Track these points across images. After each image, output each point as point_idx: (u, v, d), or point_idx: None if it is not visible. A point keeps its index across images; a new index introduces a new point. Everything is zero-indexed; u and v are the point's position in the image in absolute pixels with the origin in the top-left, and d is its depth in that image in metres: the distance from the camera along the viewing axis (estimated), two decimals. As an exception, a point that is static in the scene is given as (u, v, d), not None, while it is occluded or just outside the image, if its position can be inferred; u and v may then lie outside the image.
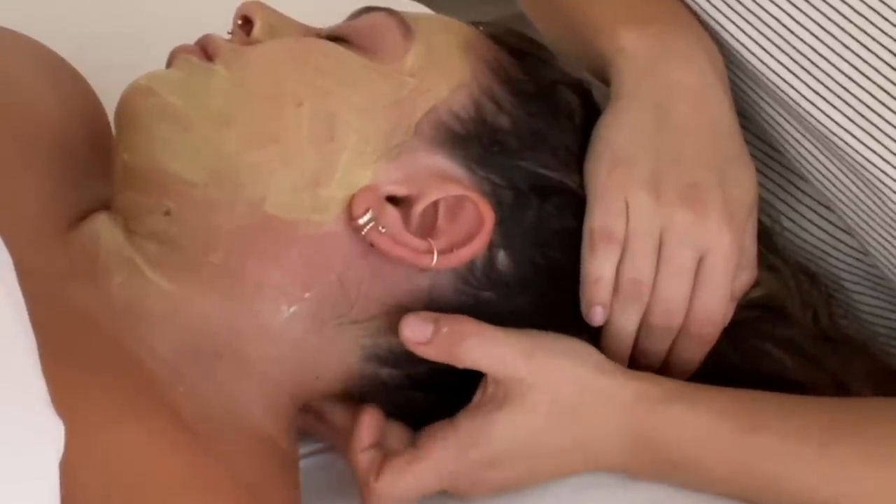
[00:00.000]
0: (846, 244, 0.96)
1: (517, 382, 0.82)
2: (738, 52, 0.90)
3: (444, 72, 0.85)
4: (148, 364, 0.80)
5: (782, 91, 0.88)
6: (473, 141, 0.84)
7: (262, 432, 0.82)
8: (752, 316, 0.88)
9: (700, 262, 0.84)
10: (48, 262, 0.82)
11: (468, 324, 0.82)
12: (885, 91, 0.84)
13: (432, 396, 0.85)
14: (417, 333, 0.82)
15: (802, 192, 0.97)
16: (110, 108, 0.87)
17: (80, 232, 0.85)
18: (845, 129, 0.86)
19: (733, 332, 0.87)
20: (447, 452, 0.83)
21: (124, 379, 0.77)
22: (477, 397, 0.83)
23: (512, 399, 0.82)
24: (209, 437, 0.78)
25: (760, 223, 0.89)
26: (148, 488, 0.72)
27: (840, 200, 0.91)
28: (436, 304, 0.83)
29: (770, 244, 0.92)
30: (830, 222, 0.96)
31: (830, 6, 0.86)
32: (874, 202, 0.87)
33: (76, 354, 0.75)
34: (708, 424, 0.83)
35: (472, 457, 0.83)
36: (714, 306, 0.85)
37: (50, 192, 0.86)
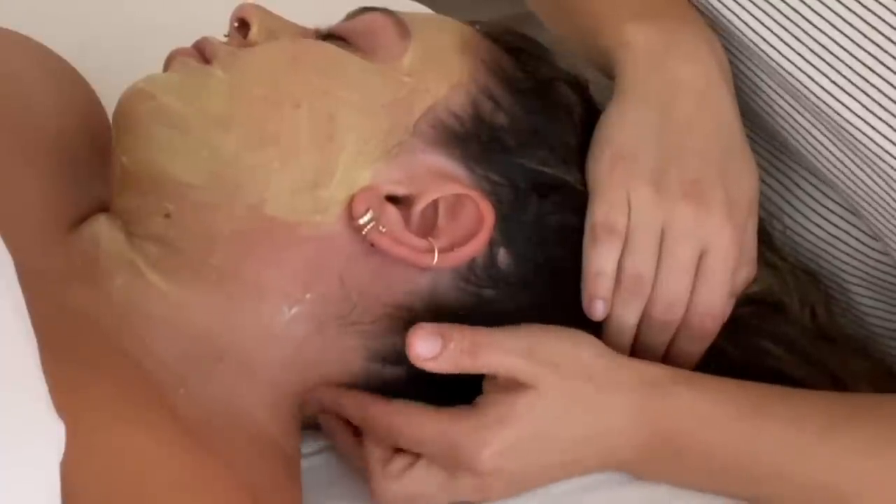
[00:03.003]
0: (848, 243, 0.96)
1: (523, 375, 0.82)
2: (754, 42, 0.89)
3: (442, 71, 0.85)
4: (148, 366, 0.79)
5: (799, 82, 0.88)
6: (472, 139, 0.84)
7: (265, 433, 0.82)
8: (749, 312, 0.88)
9: (701, 257, 0.85)
10: (49, 262, 0.82)
11: (470, 334, 0.82)
12: None
13: (437, 395, 0.85)
14: (426, 350, 0.81)
15: (804, 191, 0.97)
16: (110, 110, 0.88)
17: (80, 233, 0.85)
18: (863, 120, 0.86)
19: (732, 328, 0.87)
20: (465, 426, 0.82)
21: (125, 380, 0.77)
22: (487, 387, 0.83)
23: (525, 387, 0.82)
24: (210, 438, 0.78)
25: (760, 220, 0.89)
26: (148, 489, 0.71)
27: (855, 192, 0.90)
28: (437, 303, 0.84)
29: (769, 242, 0.92)
30: (831, 223, 0.96)
31: None
32: (888, 194, 0.87)
33: (77, 355, 0.75)
34: (712, 409, 0.83)
35: (489, 439, 0.81)
36: (714, 301, 0.85)
37: (51, 193, 0.86)
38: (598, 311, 0.85)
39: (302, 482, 0.84)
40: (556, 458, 0.84)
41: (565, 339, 0.84)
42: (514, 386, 0.82)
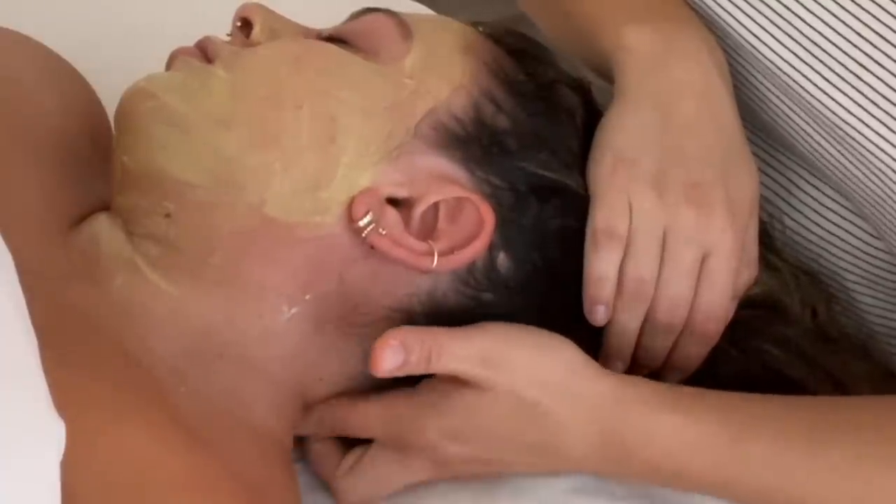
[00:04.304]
0: (846, 241, 0.96)
1: (476, 380, 0.82)
2: (748, 42, 0.89)
3: (444, 73, 0.85)
4: (148, 365, 0.79)
5: (794, 80, 0.88)
6: (473, 142, 0.84)
7: (266, 432, 0.82)
8: (751, 314, 0.88)
9: (703, 260, 0.84)
10: (49, 262, 0.82)
11: (429, 340, 0.81)
12: None
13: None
14: (391, 364, 0.81)
15: (802, 189, 0.97)
16: (111, 110, 0.87)
17: (80, 232, 0.85)
18: (857, 118, 0.86)
19: (733, 330, 0.87)
20: (404, 408, 0.83)
21: (125, 379, 0.77)
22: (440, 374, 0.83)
23: (474, 385, 0.82)
24: (211, 436, 0.78)
25: (761, 222, 0.89)
26: (149, 488, 0.71)
27: (854, 190, 0.90)
28: (436, 306, 0.84)
29: (769, 243, 0.92)
30: (830, 221, 0.97)
31: None
32: (884, 192, 0.87)
33: (77, 355, 0.75)
34: (696, 434, 0.82)
35: (430, 421, 0.82)
36: (717, 304, 0.85)
37: (51, 192, 0.86)
38: (599, 315, 0.85)
39: (301, 482, 0.84)
40: (511, 457, 0.84)
41: (529, 346, 0.83)
42: (465, 380, 0.82)
